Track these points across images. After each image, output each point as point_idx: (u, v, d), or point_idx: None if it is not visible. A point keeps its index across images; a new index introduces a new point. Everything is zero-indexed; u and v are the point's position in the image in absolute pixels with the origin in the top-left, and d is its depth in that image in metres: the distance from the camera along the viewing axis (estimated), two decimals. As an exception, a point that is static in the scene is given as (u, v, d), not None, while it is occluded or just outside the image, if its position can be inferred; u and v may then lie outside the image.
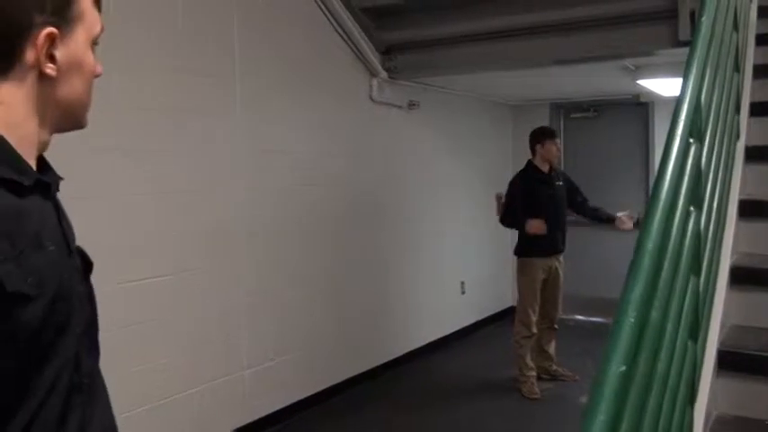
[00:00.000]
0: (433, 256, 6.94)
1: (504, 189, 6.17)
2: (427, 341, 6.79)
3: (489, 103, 8.04)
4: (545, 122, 7.97)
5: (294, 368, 5.08)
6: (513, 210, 5.81)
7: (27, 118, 1.13)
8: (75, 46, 1.16)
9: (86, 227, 3.81)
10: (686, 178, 1.72)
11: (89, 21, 1.19)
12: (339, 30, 5.45)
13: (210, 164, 4.40)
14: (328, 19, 5.34)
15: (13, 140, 1.10)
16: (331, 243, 5.49)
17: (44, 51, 1.11)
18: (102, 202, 3.73)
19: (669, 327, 1.53)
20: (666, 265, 1.47)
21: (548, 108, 8.32)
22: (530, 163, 5.87)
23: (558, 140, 5.95)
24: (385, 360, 6.14)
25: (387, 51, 5.90)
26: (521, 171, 5.95)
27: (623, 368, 1.09)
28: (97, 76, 1.23)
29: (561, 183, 5.86)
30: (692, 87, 1.89)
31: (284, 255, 5.01)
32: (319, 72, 5.31)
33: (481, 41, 5.44)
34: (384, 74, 5.90)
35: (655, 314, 1.32)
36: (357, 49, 5.64)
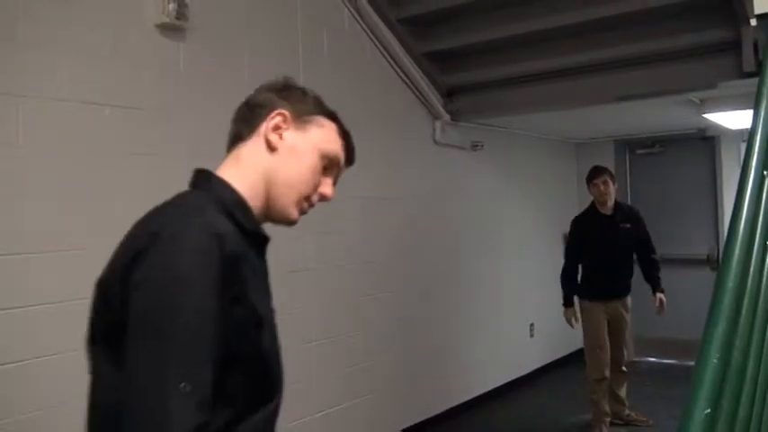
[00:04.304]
0: (501, 298, 6.87)
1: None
2: (495, 385, 6.67)
3: (553, 141, 8.00)
4: (610, 159, 7.88)
5: (355, 415, 5.04)
6: (569, 263, 5.68)
7: (257, 181, 1.43)
8: (303, 140, 1.46)
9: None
10: (762, 213, 1.68)
11: (326, 136, 1.49)
12: (402, 74, 5.50)
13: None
14: (391, 64, 5.40)
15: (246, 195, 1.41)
16: (396, 285, 5.47)
17: (272, 123, 1.44)
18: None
19: (750, 368, 1.48)
20: (746, 302, 1.43)
21: (612, 145, 8.22)
22: (592, 203, 5.73)
23: (603, 179, 5.52)
24: (450, 406, 6.03)
25: (449, 94, 5.93)
26: (582, 212, 5.84)
27: (708, 411, 1.06)
28: (322, 197, 1.51)
29: (629, 225, 5.60)
30: (764, 119, 1.85)
31: (349, 298, 5.01)
32: (383, 116, 5.36)
33: (543, 81, 5.43)
34: (447, 116, 5.91)
35: (737, 354, 1.28)
36: (419, 92, 5.68)
